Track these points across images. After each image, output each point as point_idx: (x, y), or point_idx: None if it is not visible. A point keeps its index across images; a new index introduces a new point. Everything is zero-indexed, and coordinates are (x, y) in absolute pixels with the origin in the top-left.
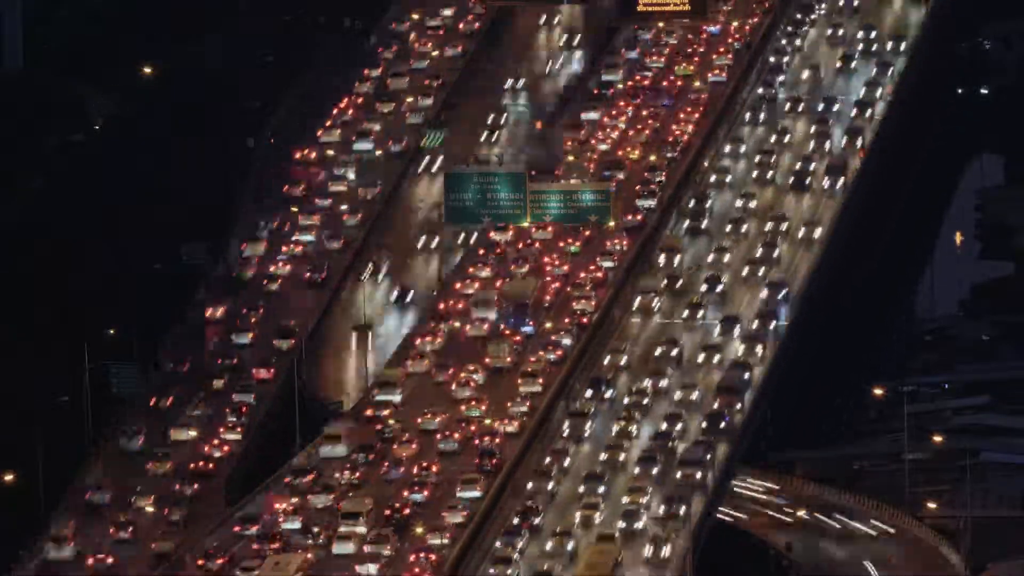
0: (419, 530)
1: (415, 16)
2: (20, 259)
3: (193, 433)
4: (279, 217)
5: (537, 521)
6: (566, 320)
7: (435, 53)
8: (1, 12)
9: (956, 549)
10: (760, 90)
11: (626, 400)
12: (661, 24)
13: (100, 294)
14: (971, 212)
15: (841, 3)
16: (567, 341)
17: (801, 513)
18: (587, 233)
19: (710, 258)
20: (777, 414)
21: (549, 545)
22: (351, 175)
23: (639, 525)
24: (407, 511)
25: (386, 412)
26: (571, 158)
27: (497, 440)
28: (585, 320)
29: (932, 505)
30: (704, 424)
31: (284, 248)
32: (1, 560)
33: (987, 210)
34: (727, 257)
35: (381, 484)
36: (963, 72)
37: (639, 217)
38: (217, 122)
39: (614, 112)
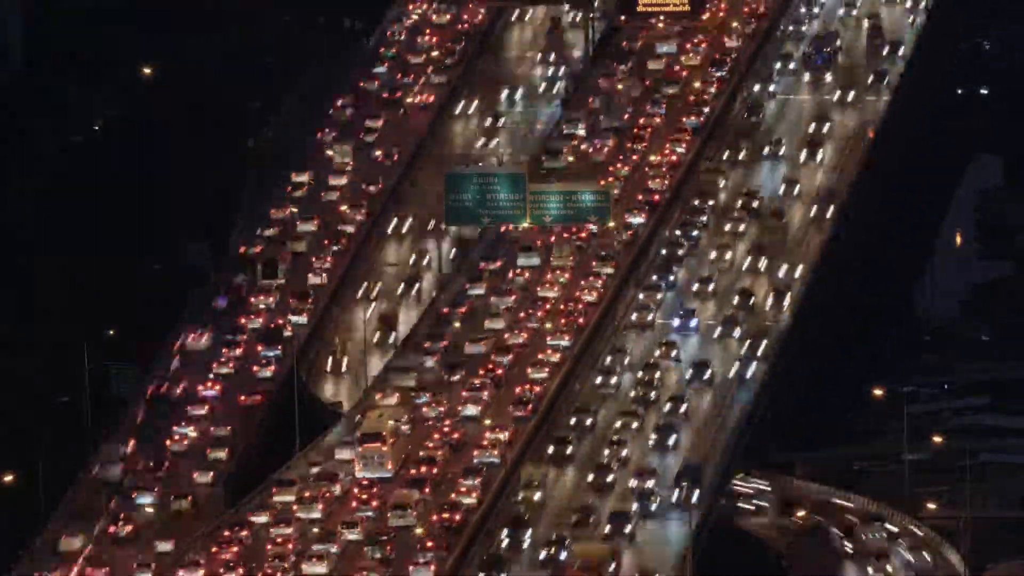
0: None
1: (414, 17)
2: (20, 259)
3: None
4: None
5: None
6: (639, 196)
7: (435, 54)
8: (1, 12)
9: (956, 549)
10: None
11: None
12: (661, 25)
13: (100, 294)
14: (971, 212)
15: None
16: (638, 220)
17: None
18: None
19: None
20: (777, 414)
21: None
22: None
23: None
24: (500, 372)
25: None
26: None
27: (580, 305)
28: (656, 198)
29: (932, 505)
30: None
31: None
32: (1, 560)
33: (987, 210)
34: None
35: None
36: (963, 72)
37: (700, 119)
38: (217, 122)
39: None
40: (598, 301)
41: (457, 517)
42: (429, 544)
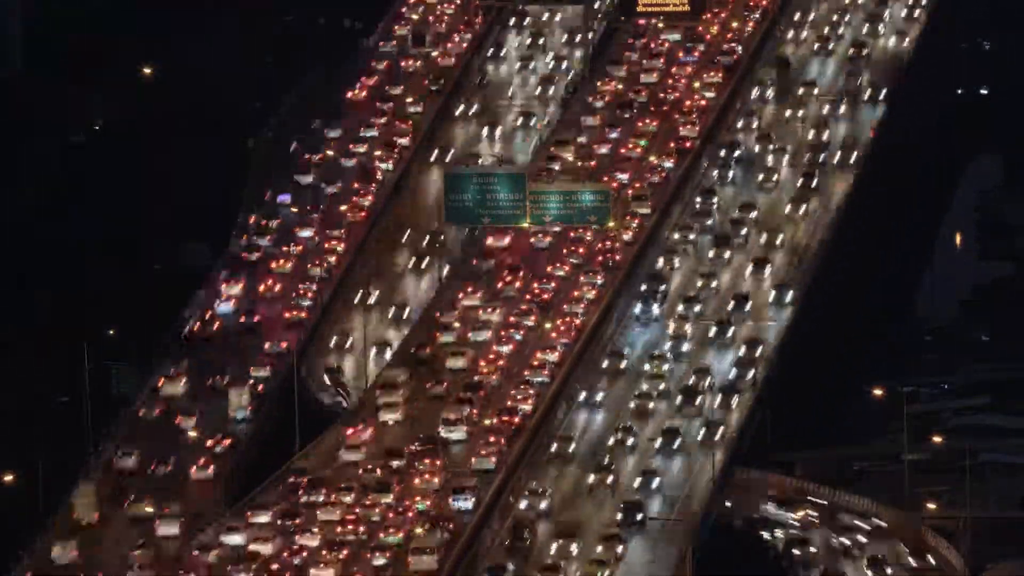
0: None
1: (414, 17)
2: (20, 259)
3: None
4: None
5: None
6: (671, 144)
7: (435, 54)
8: (1, 12)
9: (956, 549)
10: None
11: None
12: (660, 25)
13: (100, 294)
14: (971, 212)
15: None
16: (668, 164)
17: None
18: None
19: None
20: (777, 414)
21: None
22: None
23: None
24: (546, 296)
25: None
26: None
27: (618, 244)
28: (689, 144)
29: (932, 505)
30: None
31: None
32: (1, 560)
33: (987, 210)
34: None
35: None
36: (963, 72)
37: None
38: (217, 122)
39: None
40: (633, 241)
41: (516, 420)
42: (491, 438)
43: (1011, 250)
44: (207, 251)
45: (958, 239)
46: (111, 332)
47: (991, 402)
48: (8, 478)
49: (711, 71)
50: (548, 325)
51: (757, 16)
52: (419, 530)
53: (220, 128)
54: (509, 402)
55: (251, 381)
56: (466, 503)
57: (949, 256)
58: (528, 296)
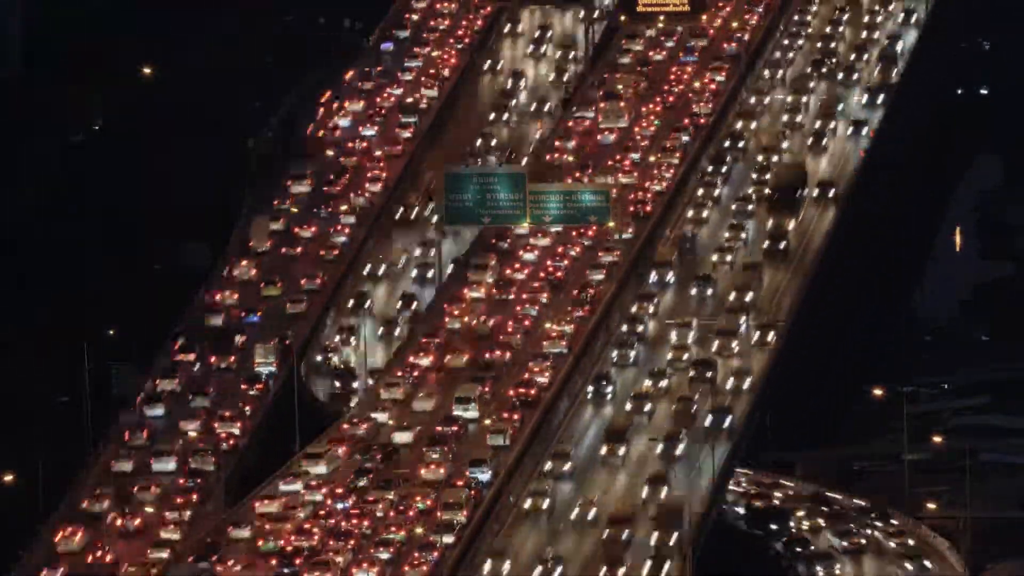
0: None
1: (415, 17)
2: (20, 259)
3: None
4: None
5: None
6: (685, 121)
7: (435, 54)
8: (1, 12)
9: (956, 549)
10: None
11: None
12: (661, 24)
13: (100, 294)
14: (971, 212)
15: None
16: (686, 138)
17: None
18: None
19: None
20: (777, 414)
21: None
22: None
23: None
24: (559, 275)
25: None
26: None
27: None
28: (703, 120)
29: (932, 505)
30: None
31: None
32: (1, 560)
33: (987, 210)
34: None
35: None
36: (963, 72)
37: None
38: (217, 122)
39: None
40: (665, 190)
41: (532, 392)
42: (504, 415)
43: (1011, 250)
44: (207, 251)
45: (958, 239)
46: (111, 332)
47: (991, 402)
48: (8, 478)
49: (714, 65)
50: (550, 324)
51: (760, 10)
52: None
53: (220, 128)
54: (526, 374)
55: (275, 341)
56: (483, 475)
57: (949, 256)
58: (542, 274)
